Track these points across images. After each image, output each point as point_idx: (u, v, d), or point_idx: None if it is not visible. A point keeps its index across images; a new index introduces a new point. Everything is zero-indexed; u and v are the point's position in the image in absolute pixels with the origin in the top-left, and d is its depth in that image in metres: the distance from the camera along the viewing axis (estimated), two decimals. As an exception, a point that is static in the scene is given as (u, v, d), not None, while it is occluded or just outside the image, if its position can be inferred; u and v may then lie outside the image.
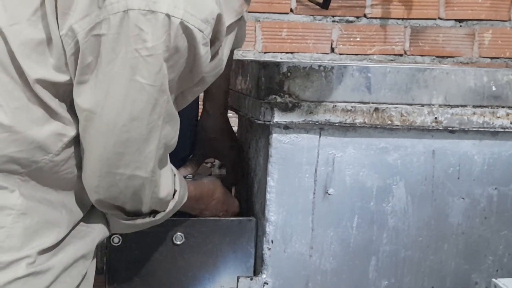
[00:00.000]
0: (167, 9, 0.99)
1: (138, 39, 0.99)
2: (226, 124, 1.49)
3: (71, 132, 1.08)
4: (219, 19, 1.06)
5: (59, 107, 1.07)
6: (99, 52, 1.01)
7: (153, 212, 1.19)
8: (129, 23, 0.99)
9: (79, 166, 1.12)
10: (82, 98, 1.05)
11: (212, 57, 1.10)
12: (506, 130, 1.36)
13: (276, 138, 1.31)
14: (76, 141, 1.10)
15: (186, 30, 1.01)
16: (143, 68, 1.01)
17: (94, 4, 1.00)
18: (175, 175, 1.20)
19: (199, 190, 1.32)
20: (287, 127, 1.31)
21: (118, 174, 1.09)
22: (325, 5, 1.19)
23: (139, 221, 1.19)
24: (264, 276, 1.35)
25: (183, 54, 1.03)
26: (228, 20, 1.13)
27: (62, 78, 1.06)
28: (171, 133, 1.11)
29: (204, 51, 1.05)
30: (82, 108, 1.06)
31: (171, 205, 1.20)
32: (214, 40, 1.08)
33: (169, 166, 1.18)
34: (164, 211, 1.20)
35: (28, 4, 1.05)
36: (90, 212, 1.18)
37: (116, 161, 1.08)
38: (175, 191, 1.20)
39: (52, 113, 1.07)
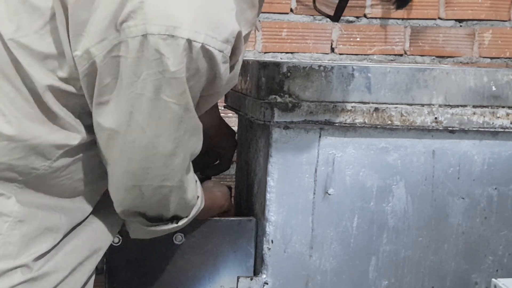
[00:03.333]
0: (188, 34, 0.98)
1: (159, 63, 0.99)
2: (219, 116, 1.50)
3: (74, 141, 1.08)
4: (238, 36, 1.05)
5: (67, 116, 1.07)
6: (118, 73, 1.01)
7: (175, 218, 1.19)
8: (149, 47, 0.98)
9: (79, 172, 1.11)
10: (104, 118, 1.04)
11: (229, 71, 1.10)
12: (506, 130, 1.36)
13: (276, 138, 1.31)
14: (77, 149, 1.09)
15: (207, 53, 1.01)
16: (167, 89, 1.00)
17: (112, 27, 0.99)
18: (196, 181, 1.20)
19: (212, 201, 1.33)
20: (287, 127, 1.31)
21: (145, 186, 1.09)
22: (336, 17, 1.18)
23: (162, 227, 1.19)
24: (264, 276, 1.35)
25: (203, 74, 1.03)
26: (243, 32, 1.11)
27: (72, 89, 1.05)
28: (196, 143, 1.12)
29: (224, 68, 1.05)
30: (104, 127, 1.05)
31: (194, 211, 1.21)
32: (232, 56, 1.07)
33: (192, 170, 1.18)
34: (186, 216, 1.20)
35: (37, 17, 1.05)
36: (96, 221, 1.17)
37: (142, 175, 1.08)
38: (197, 197, 1.20)
39: (58, 122, 1.06)
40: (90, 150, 1.11)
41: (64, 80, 1.05)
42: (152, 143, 1.05)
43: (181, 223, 1.21)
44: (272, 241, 1.34)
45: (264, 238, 1.34)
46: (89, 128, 1.09)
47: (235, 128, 1.60)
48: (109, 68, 1.01)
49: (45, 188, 1.09)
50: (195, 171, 1.29)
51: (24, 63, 1.04)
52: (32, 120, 1.05)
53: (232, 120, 1.88)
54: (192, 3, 1.00)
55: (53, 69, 1.05)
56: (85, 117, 1.08)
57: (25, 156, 1.05)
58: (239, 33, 1.05)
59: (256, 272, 1.38)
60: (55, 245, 1.10)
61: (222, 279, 1.37)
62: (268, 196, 1.33)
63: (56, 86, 1.04)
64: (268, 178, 1.32)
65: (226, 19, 1.03)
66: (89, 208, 1.16)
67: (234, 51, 1.06)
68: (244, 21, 1.11)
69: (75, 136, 1.08)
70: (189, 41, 0.98)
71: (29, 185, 1.08)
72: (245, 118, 1.46)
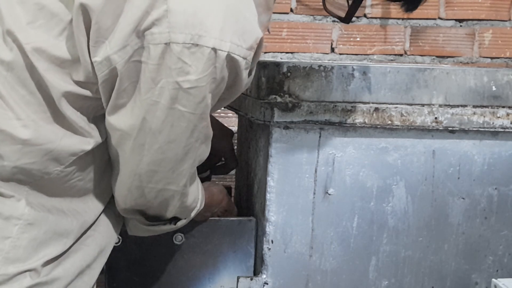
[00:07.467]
0: (213, 43, 0.98)
1: (180, 72, 0.98)
2: (212, 116, 1.50)
3: (87, 146, 1.08)
4: (260, 42, 1.05)
5: (81, 121, 1.06)
6: (138, 78, 1.01)
7: (174, 219, 1.20)
8: (172, 55, 0.98)
9: (91, 172, 1.11)
10: (116, 119, 1.05)
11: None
12: (506, 130, 1.36)
13: (276, 138, 1.31)
14: (89, 152, 1.09)
15: (232, 61, 1.01)
16: (184, 99, 1.00)
17: (134, 34, 0.99)
18: (198, 182, 1.20)
19: (210, 199, 1.33)
20: (287, 127, 1.31)
21: (148, 188, 1.10)
22: (347, 19, 1.17)
23: (160, 227, 1.20)
24: (264, 276, 1.35)
25: (225, 81, 1.03)
26: None
27: (88, 93, 1.05)
28: (205, 150, 1.12)
29: (245, 74, 1.05)
30: (116, 128, 1.05)
31: (193, 213, 1.21)
32: (252, 61, 1.06)
33: (196, 174, 1.18)
34: (185, 218, 1.21)
35: (55, 23, 1.04)
36: (102, 223, 1.17)
37: (148, 178, 1.08)
38: (198, 200, 1.21)
39: (71, 128, 1.06)
40: (101, 150, 1.11)
41: (80, 84, 1.05)
42: (162, 148, 1.05)
43: (179, 224, 1.21)
44: (272, 241, 1.34)
45: (264, 238, 1.34)
46: (102, 131, 1.09)
47: (234, 129, 1.60)
48: (129, 72, 1.01)
49: (57, 190, 1.09)
50: (204, 171, 1.30)
51: (40, 69, 1.03)
52: (47, 124, 1.05)
53: (232, 120, 1.89)
54: (220, 9, 0.99)
55: (69, 74, 1.04)
56: (98, 120, 1.09)
57: (39, 161, 1.04)
58: (261, 39, 1.05)
59: (256, 272, 1.37)
60: (65, 251, 1.10)
61: (222, 279, 1.37)
62: (268, 196, 1.33)
63: (72, 92, 1.04)
64: (268, 178, 1.32)
65: (252, 26, 1.03)
66: (100, 207, 1.15)
67: (254, 57, 1.06)
68: (259, 24, 1.11)
69: (89, 141, 1.08)
70: (215, 50, 0.98)
71: (40, 188, 1.07)
72: (245, 118, 1.46)
